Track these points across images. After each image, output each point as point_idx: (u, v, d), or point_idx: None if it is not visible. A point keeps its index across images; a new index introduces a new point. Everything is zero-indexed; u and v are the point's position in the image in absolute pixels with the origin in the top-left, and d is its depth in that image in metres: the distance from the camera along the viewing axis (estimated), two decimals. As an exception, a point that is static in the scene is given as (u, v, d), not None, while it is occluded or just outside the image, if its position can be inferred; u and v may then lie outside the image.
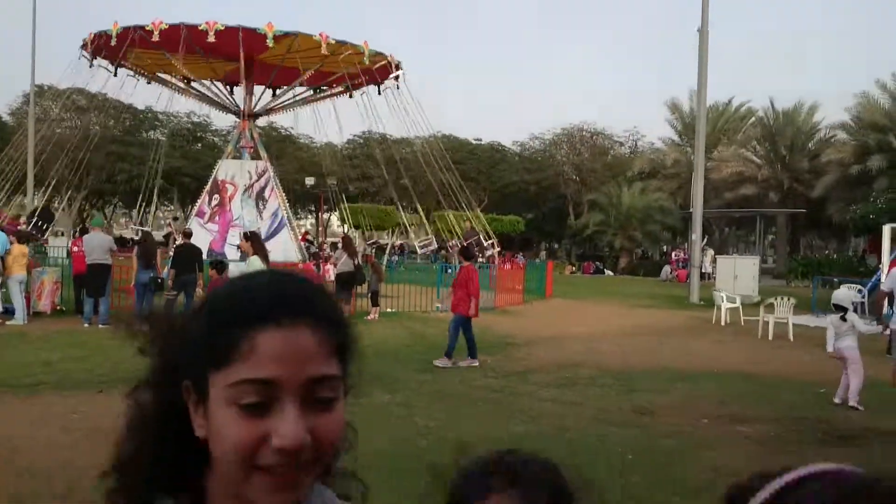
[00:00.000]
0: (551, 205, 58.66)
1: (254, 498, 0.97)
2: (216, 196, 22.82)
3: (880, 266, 23.74)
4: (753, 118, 51.44)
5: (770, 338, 15.74)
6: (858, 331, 9.54)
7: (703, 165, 28.49)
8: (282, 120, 49.39)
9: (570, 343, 14.40)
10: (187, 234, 17.11)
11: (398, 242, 48.73)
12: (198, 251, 15.84)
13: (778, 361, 12.57)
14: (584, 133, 57.68)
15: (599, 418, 8.15)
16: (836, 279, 27.05)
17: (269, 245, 22.18)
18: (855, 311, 10.63)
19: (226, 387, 0.96)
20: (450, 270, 22.11)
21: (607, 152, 58.24)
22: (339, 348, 1.01)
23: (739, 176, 46.58)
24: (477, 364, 11.57)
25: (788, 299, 16.66)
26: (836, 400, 9.32)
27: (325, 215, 57.19)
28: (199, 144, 51.44)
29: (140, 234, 17.71)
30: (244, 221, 22.37)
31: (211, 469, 1.05)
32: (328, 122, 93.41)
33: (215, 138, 51.82)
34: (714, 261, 32.76)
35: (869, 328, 11.91)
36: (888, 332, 11.37)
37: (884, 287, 11.75)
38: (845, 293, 10.21)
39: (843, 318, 9.47)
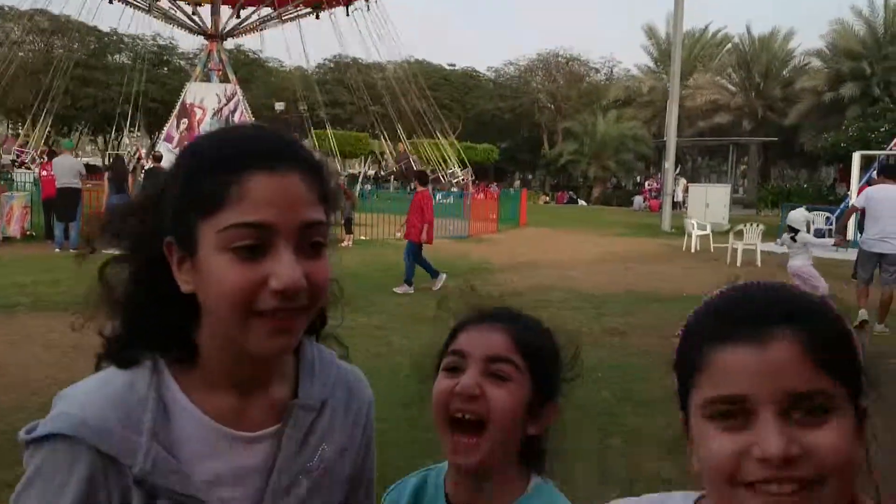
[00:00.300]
0: (526, 133, 58.43)
1: (252, 344, 0.99)
2: (184, 120, 22.47)
3: (848, 194, 24.12)
4: (729, 45, 51.22)
5: (738, 264, 16.01)
6: (811, 248, 9.73)
7: (679, 93, 28.44)
8: (249, 43, 48.41)
9: (543, 269, 14.57)
10: (157, 158, 16.87)
11: (371, 172, 48.46)
12: (168, 175, 15.67)
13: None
14: (559, 59, 57.13)
15: (570, 338, 8.33)
16: (806, 207, 27.47)
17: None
18: (820, 236, 10.82)
19: (217, 232, 0.96)
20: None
21: (583, 79, 57.84)
22: (323, 196, 1.03)
23: (714, 104, 46.62)
24: (444, 277, 11.61)
25: (757, 226, 16.90)
26: None
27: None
28: (166, 68, 50.21)
29: (112, 158, 17.45)
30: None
31: (201, 326, 1.06)
32: (297, 45, 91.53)
33: (181, 61, 50.64)
34: (686, 190, 33.03)
35: (821, 241, 12.25)
36: (839, 246, 11.36)
37: (856, 203, 11.75)
38: (798, 214, 10.38)
39: (794, 239, 9.68)
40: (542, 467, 1.37)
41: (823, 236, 17.81)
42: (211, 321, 1.03)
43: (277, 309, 0.97)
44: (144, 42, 44.75)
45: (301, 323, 1.01)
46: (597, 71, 59.37)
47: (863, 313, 9.12)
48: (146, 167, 17.10)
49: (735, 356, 0.84)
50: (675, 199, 30.06)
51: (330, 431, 1.14)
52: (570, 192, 47.68)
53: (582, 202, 45.86)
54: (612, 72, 59.35)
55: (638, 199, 41.40)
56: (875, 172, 21.92)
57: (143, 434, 0.99)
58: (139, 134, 53.69)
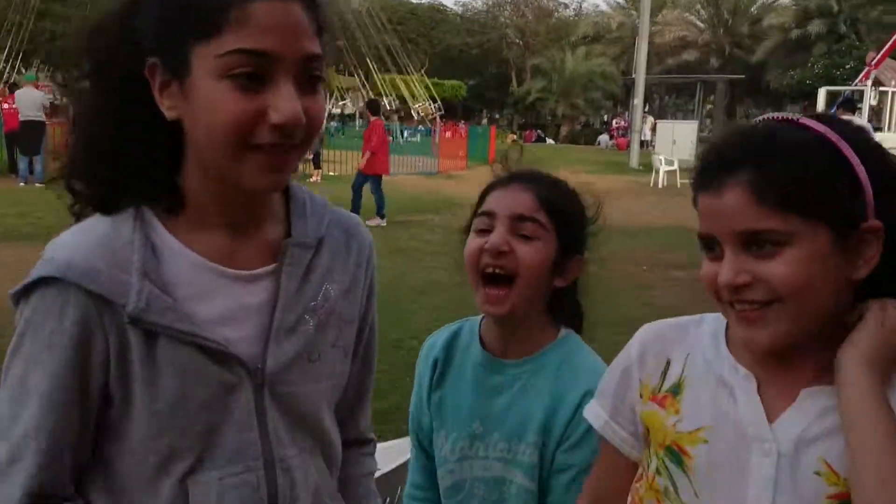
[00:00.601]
0: (494, 70, 57.87)
1: (245, 179, 0.95)
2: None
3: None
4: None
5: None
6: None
7: (648, 30, 28.35)
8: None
9: (513, 203, 14.70)
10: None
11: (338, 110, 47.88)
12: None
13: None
14: (528, -6, 56.40)
15: (544, 267, 8.53)
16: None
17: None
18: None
19: (216, 57, 0.90)
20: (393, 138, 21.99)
21: (552, 14, 57.20)
22: (319, 29, 0.97)
23: (682, 41, 46.52)
24: (384, 223, 11.41)
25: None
26: None
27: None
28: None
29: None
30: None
31: (186, 160, 1.01)
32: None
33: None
34: (654, 129, 33.17)
35: None
36: None
37: None
38: None
39: None
40: (572, 321, 1.48)
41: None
42: (199, 153, 0.98)
43: (274, 144, 0.93)
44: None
45: (295, 160, 0.98)
46: (566, 6, 58.82)
47: None
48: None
49: (704, 203, 1.02)
50: (642, 138, 30.21)
51: (331, 271, 1.11)
52: (539, 131, 47.58)
53: (550, 141, 45.81)
54: (580, 7, 58.96)
55: (604, 138, 41.46)
56: (836, 107, 22.28)
57: (132, 273, 0.96)
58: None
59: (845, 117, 8.07)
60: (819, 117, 1.02)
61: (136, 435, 1.00)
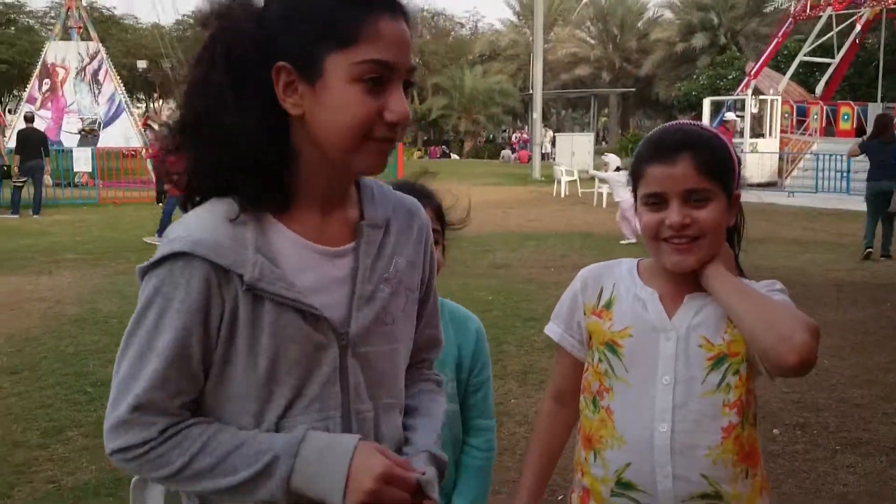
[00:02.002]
0: (395, 89, 58.39)
1: (358, 165, 1.17)
2: (46, 80, 21.45)
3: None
4: (587, -1, 52.87)
5: (604, 206, 17.16)
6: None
7: (542, 46, 29.43)
8: (102, 0, 45.99)
9: (425, 216, 15.15)
10: (29, 119, 16.13)
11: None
12: (42, 135, 15.17)
13: (611, 223, 13.77)
14: (424, 14, 57.29)
15: (460, 272, 8.98)
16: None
17: (108, 131, 21.41)
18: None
19: (351, 64, 1.11)
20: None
21: (449, 34, 58.34)
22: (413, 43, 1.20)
23: (574, 57, 48.22)
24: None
25: (620, 170, 18.10)
26: None
27: (159, 102, 54.43)
28: (13, 28, 47.00)
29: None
30: (79, 107, 21.32)
31: (301, 158, 1.18)
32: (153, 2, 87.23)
33: (30, 20, 47.52)
34: (553, 141, 34.32)
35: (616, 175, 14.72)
36: None
37: None
38: (614, 157, 13.05)
39: (619, 168, 11.63)
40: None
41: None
42: (319, 145, 1.16)
43: (385, 138, 1.15)
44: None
45: (390, 151, 1.20)
46: (462, 25, 60.11)
47: None
48: (19, 128, 16.37)
49: (658, 171, 1.51)
50: (542, 151, 31.27)
51: (398, 246, 1.28)
52: (443, 147, 48.36)
53: (455, 156, 46.65)
54: (476, 26, 60.24)
55: (507, 152, 42.48)
56: (721, 119, 23.72)
57: (248, 248, 1.12)
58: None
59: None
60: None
61: (237, 386, 1.16)
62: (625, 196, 11.32)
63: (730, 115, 19.35)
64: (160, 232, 11.14)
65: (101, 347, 5.94)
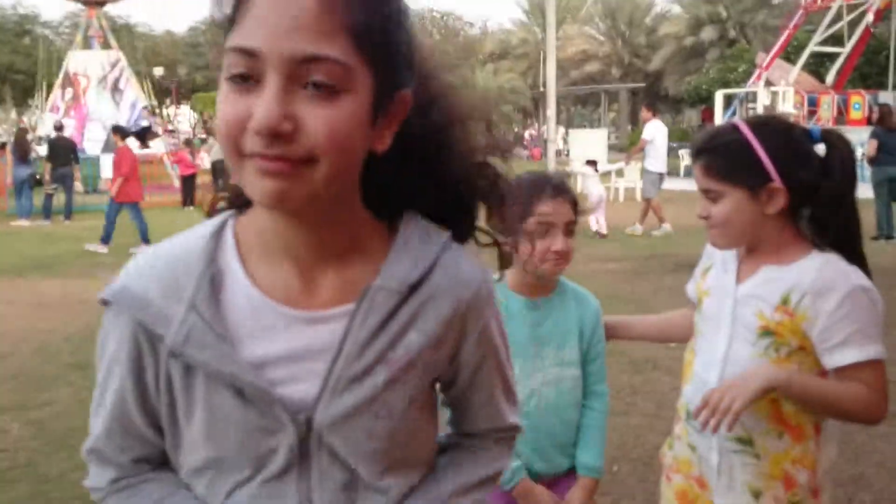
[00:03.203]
0: (405, 89, 58.70)
1: (247, 189, 0.85)
2: (69, 90, 21.89)
3: (713, 131, 26.00)
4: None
5: (621, 200, 17.45)
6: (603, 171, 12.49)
7: (555, 44, 29.66)
8: (114, 10, 46.46)
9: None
10: (58, 128, 16.50)
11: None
12: (71, 143, 15.55)
13: (629, 217, 14.08)
14: (434, 14, 57.67)
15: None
16: (674, 145, 29.38)
17: (131, 138, 21.78)
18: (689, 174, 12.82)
19: (225, 54, 0.82)
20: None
21: (458, 34, 58.65)
22: (357, 29, 0.81)
23: (584, 54, 48.47)
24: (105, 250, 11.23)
25: (635, 164, 18.36)
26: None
27: (173, 108, 54.91)
28: (27, 38, 47.60)
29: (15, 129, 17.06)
30: (102, 115, 21.74)
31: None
32: (166, 7, 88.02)
33: (46, 31, 48.13)
34: (565, 138, 34.53)
35: (613, 166, 17.17)
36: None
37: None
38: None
39: (596, 169, 12.61)
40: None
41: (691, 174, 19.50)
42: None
43: (256, 154, 0.81)
44: (4, 11, 42.35)
45: (298, 172, 0.82)
46: (472, 25, 60.45)
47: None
48: (50, 136, 16.77)
49: (695, 169, 1.79)
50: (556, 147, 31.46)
51: (419, 318, 0.96)
52: (454, 146, 48.52)
53: (466, 154, 46.83)
54: (486, 25, 60.57)
55: (518, 149, 42.71)
56: (734, 111, 23.90)
57: (182, 303, 0.92)
58: (6, 106, 50.91)
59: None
60: (757, 120, 1.76)
61: (189, 453, 0.99)
62: (594, 191, 12.15)
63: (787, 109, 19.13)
64: (104, 239, 11.14)
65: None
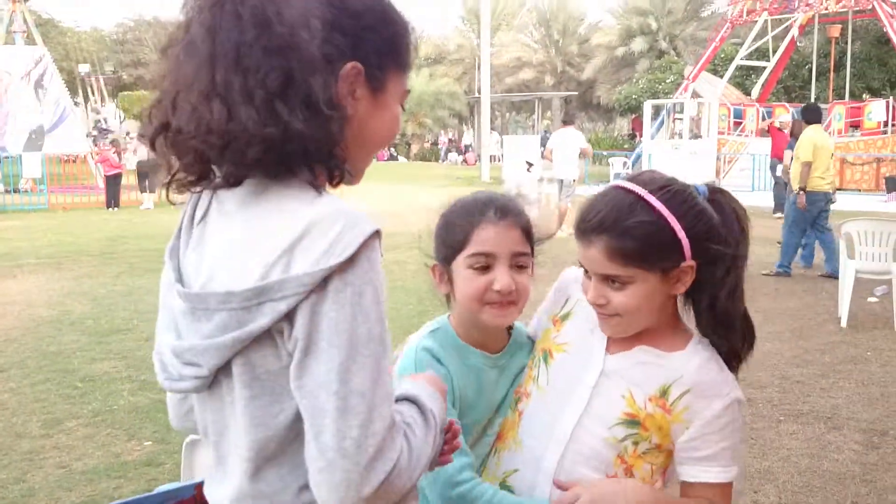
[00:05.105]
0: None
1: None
2: (-10, 86, 21.13)
3: (640, 140, 26.68)
4: (529, 3, 53.74)
5: (552, 206, 17.70)
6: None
7: (489, 51, 29.92)
8: (36, 5, 45.04)
9: (385, 218, 15.37)
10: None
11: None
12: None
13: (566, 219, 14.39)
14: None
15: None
16: (604, 153, 30.05)
17: (54, 135, 21.15)
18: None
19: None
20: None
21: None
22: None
23: (518, 61, 49.01)
24: None
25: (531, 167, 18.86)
26: None
27: (100, 104, 53.41)
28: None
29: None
30: (24, 112, 21.04)
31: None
32: (91, 3, 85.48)
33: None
34: (500, 143, 34.81)
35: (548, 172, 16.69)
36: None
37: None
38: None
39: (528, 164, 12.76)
40: None
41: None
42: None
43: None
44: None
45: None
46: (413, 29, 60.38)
47: None
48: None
49: (580, 249, 1.46)
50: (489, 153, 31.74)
51: None
52: (391, 150, 48.48)
53: (402, 159, 46.89)
54: (422, 30, 60.61)
55: (453, 155, 42.89)
56: (661, 122, 24.49)
57: None
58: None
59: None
60: (658, 187, 1.42)
61: None
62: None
63: (786, 117, 18.29)
64: None
65: (82, 346, 6.10)
